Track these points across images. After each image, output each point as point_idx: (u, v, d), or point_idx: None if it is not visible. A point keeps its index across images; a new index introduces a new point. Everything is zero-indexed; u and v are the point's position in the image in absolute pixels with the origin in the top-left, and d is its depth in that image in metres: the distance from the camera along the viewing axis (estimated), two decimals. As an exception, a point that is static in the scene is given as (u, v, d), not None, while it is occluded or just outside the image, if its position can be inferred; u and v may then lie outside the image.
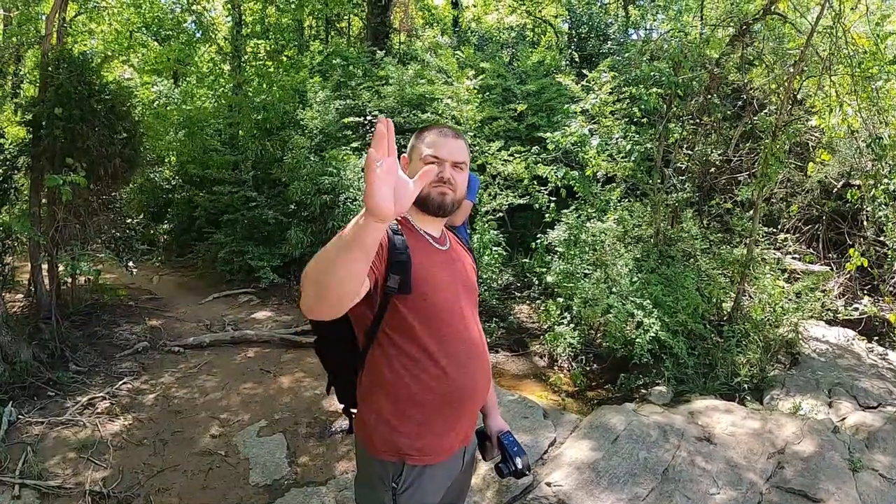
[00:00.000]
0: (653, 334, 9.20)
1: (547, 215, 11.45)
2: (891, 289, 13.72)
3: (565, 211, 11.51)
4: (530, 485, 7.04)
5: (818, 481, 7.77)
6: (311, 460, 7.39)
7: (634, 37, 21.31)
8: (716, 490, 7.31)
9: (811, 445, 8.42)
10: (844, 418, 9.73)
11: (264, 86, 16.53)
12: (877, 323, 13.44)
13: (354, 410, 3.50)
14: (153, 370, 9.50)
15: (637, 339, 9.18)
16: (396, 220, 3.21)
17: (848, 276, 13.39)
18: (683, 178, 12.33)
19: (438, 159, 3.24)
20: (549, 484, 7.03)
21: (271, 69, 17.55)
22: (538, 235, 11.03)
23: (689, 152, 12.88)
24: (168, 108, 17.99)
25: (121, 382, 8.79)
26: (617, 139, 11.01)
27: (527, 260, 11.65)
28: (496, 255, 11.67)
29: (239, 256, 13.63)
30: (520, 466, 3.68)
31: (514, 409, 8.21)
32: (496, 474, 3.73)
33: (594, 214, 11.35)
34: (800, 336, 10.89)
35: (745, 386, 9.67)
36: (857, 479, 8.02)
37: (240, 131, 16.36)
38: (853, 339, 12.43)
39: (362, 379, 3.32)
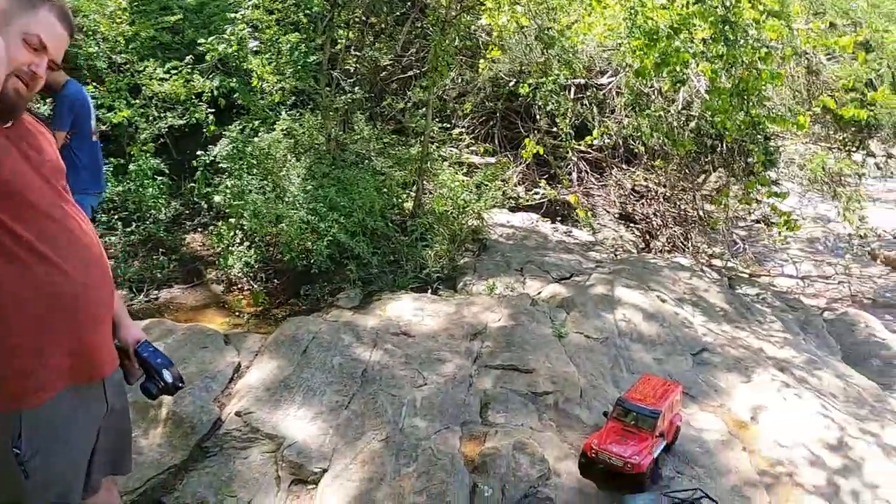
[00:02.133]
0: (330, 238, 9.02)
1: (205, 130, 10.64)
2: (567, 173, 14.70)
3: (231, 127, 10.77)
4: (218, 419, 6.56)
5: (526, 353, 8.06)
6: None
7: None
8: (422, 381, 7.26)
9: (512, 321, 8.73)
10: (540, 292, 10.27)
11: None
12: (558, 206, 14.39)
13: None
14: None
15: (315, 247, 8.83)
16: None
17: (526, 164, 14.10)
18: (353, 80, 12.07)
19: (44, 49, 2.56)
20: (238, 414, 6.61)
21: None
22: (199, 153, 10.19)
23: (358, 53, 12.65)
24: None
25: None
26: (280, 47, 10.45)
27: (193, 184, 10.78)
28: (160, 185, 10.68)
29: None
30: (169, 380, 3.23)
31: (190, 341, 7.59)
32: (145, 397, 3.25)
33: (261, 127, 10.73)
34: (485, 223, 11.24)
35: (437, 277, 9.88)
36: (564, 344, 8.43)
37: None
38: (537, 221, 13.16)
39: None
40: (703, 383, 8.66)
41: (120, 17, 11.59)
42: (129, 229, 9.81)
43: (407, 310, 8.73)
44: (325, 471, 6.03)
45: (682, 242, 14.69)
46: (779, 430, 7.88)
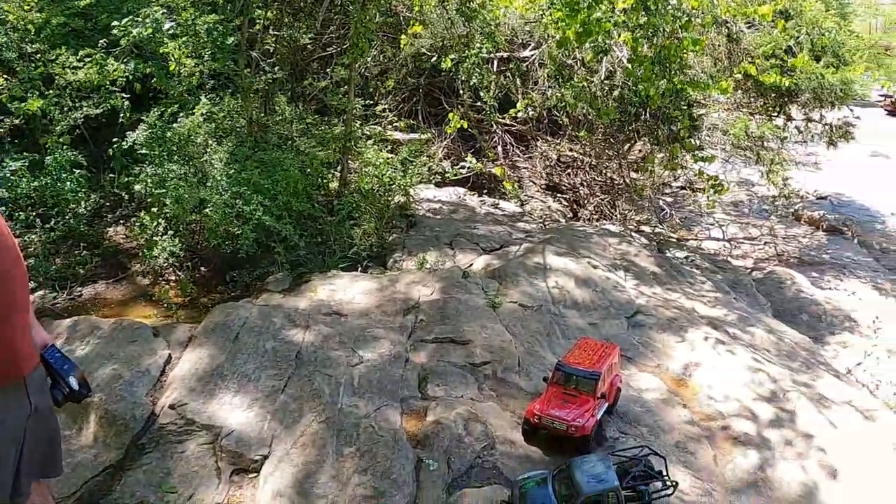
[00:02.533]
0: (256, 221, 8.81)
1: (122, 118, 10.25)
2: (492, 147, 14.70)
3: (149, 113, 10.39)
4: (152, 413, 6.31)
5: (461, 325, 8.03)
6: None
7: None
8: (358, 360, 7.17)
9: (445, 293, 8.70)
10: (471, 264, 10.27)
11: None
12: (485, 180, 14.41)
13: None
14: None
15: (241, 231, 8.62)
16: None
17: (450, 139, 14.05)
18: (272, 61, 11.80)
19: None
20: (172, 406, 6.38)
21: None
22: (115, 140, 9.82)
23: (277, 33, 12.35)
24: None
25: None
26: (197, 29, 10.10)
27: (113, 174, 10.39)
28: (78, 179, 10.25)
29: None
30: (75, 386, 3.04)
31: (118, 336, 7.29)
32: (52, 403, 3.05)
33: (180, 112, 10.39)
34: (412, 199, 11.18)
35: (366, 255, 9.77)
36: (499, 314, 8.43)
37: None
38: (464, 195, 13.16)
39: None
40: (639, 345, 8.79)
41: (29, 5, 11.07)
42: (48, 226, 9.39)
43: (338, 289, 8.60)
44: (265, 457, 5.89)
45: (609, 210, 14.89)
46: (715, 386, 8.06)
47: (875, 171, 21.69)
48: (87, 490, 5.53)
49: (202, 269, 9.49)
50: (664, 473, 5.76)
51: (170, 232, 9.26)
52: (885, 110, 29.88)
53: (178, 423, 6.20)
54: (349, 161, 10.88)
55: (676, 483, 5.70)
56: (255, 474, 5.81)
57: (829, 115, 15.74)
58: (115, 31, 10.25)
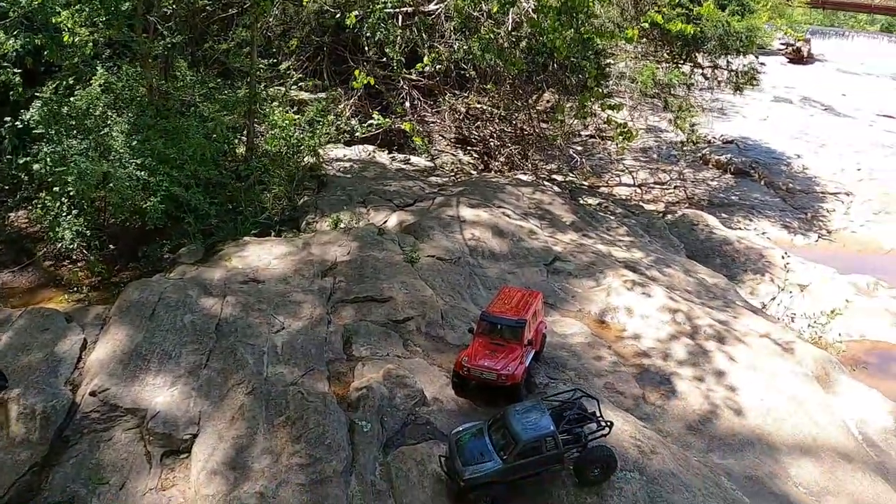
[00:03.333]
0: (163, 193, 8.50)
1: (12, 94, 9.65)
2: (400, 103, 14.47)
3: (43, 88, 9.79)
4: (73, 403, 6.03)
5: (380, 282, 7.93)
6: None
7: None
8: (280, 326, 7.01)
9: (361, 252, 8.58)
10: (386, 221, 10.17)
11: None
12: (394, 136, 14.21)
13: None
14: None
15: (149, 204, 8.29)
16: None
17: (358, 97, 13.76)
18: (171, 25, 11.26)
19: None
20: (93, 393, 6.10)
21: None
22: (6, 120, 9.24)
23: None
24: None
25: None
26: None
27: (10, 156, 9.81)
28: (-28, 165, 9.67)
29: None
30: None
31: (29, 326, 6.95)
32: None
33: (77, 85, 9.84)
34: (321, 160, 10.99)
35: (278, 219, 9.58)
36: (417, 269, 8.35)
37: None
38: (374, 152, 12.99)
39: None
40: (560, 291, 8.88)
41: None
42: (-58, 217, 8.86)
43: (252, 256, 8.40)
44: (195, 436, 5.74)
45: (521, 160, 14.85)
46: (636, 327, 8.29)
47: (779, 116, 22.35)
48: (16, 492, 5.31)
49: (111, 246, 9.08)
50: (598, 414, 5.84)
51: (74, 211, 8.80)
52: (787, 58, 30.71)
53: (102, 409, 5.96)
54: (255, 124, 10.54)
55: (611, 423, 5.78)
56: (187, 455, 5.66)
57: (734, 62, 15.95)
58: (2, 3, 9.60)
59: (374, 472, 5.50)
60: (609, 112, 13.42)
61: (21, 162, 9.52)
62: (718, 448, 6.74)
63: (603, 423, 5.76)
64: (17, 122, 9.24)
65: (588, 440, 5.66)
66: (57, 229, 8.71)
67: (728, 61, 15.90)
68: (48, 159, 8.86)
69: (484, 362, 6.20)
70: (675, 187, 16.63)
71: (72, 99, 9.47)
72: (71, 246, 8.74)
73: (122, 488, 5.38)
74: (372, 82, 12.54)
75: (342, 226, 9.34)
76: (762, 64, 16.71)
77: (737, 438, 6.85)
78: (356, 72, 12.16)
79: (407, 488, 5.39)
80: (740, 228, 14.60)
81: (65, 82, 9.78)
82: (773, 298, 10.84)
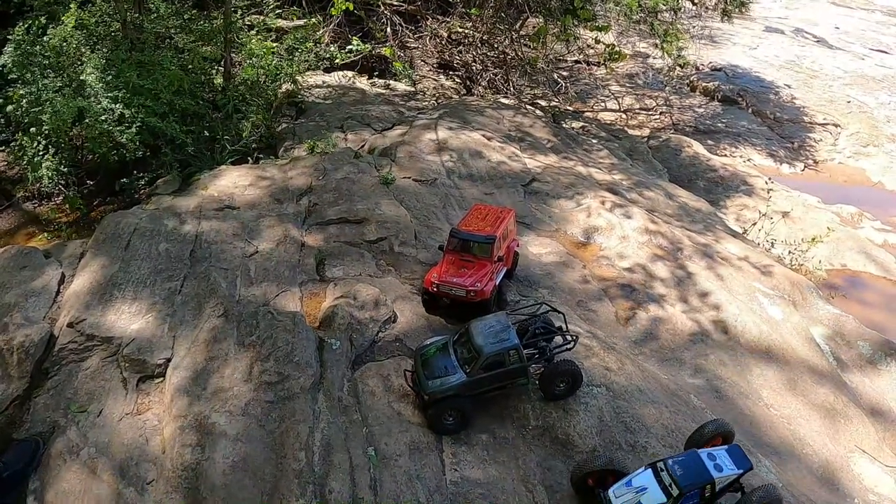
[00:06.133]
0: (139, 124, 8.23)
1: (-20, 35, 9.29)
2: (380, 28, 14.00)
3: (15, 29, 9.41)
4: (51, 336, 5.86)
5: (355, 204, 7.71)
6: None
7: None
8: (253, 250, 6.85)
9: (337, 175, 8.32)
10: (363, 145, 9.87)
11: None
12: (374, 62, 13.79)
13: None
14: None
15: (125, 136, 8.04)
16: None
17: (337, 23, 13.29)
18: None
19: None
20: (71, 325, 5.96)
21: None
22: (-24, 62, 8.91)
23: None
24: None
25: None
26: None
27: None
28: (-52, 111, 9.35)
29: None
30: None
31: (8, 265, 6.77)
32: None
33: (49, 24, 9.44)
34: (300, 86, 10.63)
35: (256, 146, 9.34)
36: (392, 190, 8.12)
37: None
38: (353, 78, 12.63)
39: None
40: (537, 211, 8.65)
41: None
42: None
43: (228, 183, 8.17)
44: (168, 360, 5.62)
45: (503, 85, 14.41)
46: (614, 247, 8.06)
47: (770, 46, 21.55)
48: (-2, 426, 5.23)
49: (89, 182, 8.89)
50: (564, 328, 5.66)
51: (51, 150, 8.58)
52: None
53: (79, 340, 5.84)
54: (233, 54, 10.17)
55: (577, 336, 5.62)
56: (161, 378, 5.56)
57: None
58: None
59: (341, 389, 5.41)
60: (596, 33, 12.93)
61: (-6, 105, 9.23)
62: (689, 366, 6.61)
63: (569, 338, 5.60)
64: (-15, 67, 8.92)
65: (553, 354, 5.51)
66: (36, 169, 8.48)
67: (716, -15, 15.29)
68: (23, 101, 8.58)
69: (453, 279, 6.03)
70: (660, 113, 16.15)
71: (44, 38, 9.13)
72: (49, 184, 8.52)
73: (100, 415, 5.29)
74: (351, 8, 12.11)
75: (319, 150, 9.08)
76: (752, -10, 15.92)
77: (708, 357, 6.71)
78: (335, -1, 11.74)
79: (372, 403, 5.31)
80: (726, 155, 14.24)
81: (37, 22, 9.40)
82: (755, 224, 10.58)
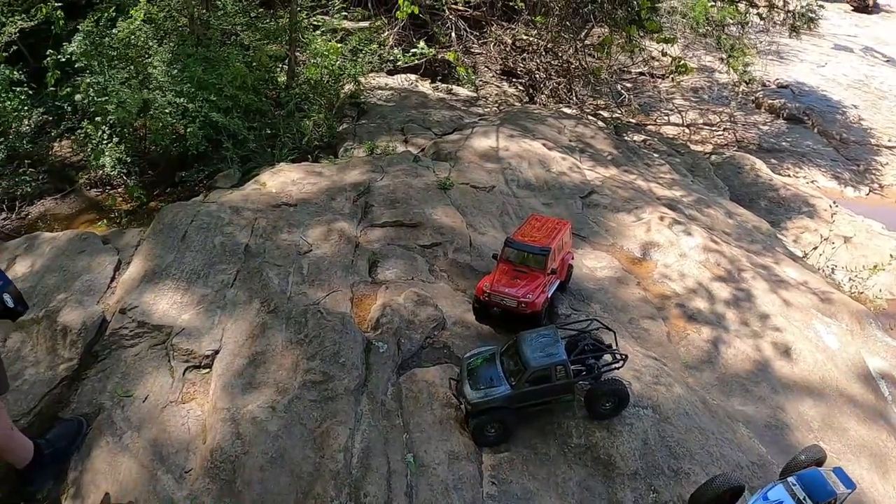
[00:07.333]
0: (203, 118, 8.37)
1: (54, 27, 9.55)
2: (445, 33, 14.01)
3: (85, 20, 9.66)
4: (104, 320, 5.95)
5: (411, 208, 7.69)
6: None
7: None
8: (307, 248, 6.87)
9: (395, 178, 8.30)
10: (423, 148, 9.83)
11: None
12: (437, 66, 13.78)
13: None
14: None
15: (188, 130, 8.15)
16: None
17: (402, 26, 13.35)
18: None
19: None
20: (123, 311, 6.03)
21: None
22: (48, 52, 9.14)
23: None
24: None
25: None
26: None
27: (52, 88, 9.75)
28: (20, 96, 9.60)
29: None
30: (10, 304, 2.99)
31: (67, 248, 6.90)
32: None
33: (118, 16, 9.66)
34: (362, 88, 10.67)
35: (316, 145, 9.38)
36: (450, 196, 8.09)
37: None
38: (416, 82, 12.62)
39: None
40: (594, 224, 8.50)
41: None
42: (-10, 149, 8.87)
43: (286, 180, 8.20)
44: (216, 352, 5.62)
45: (566, 94, 14.32)
46: (671, 265, 7.85)
47: (838, 65, 20.99)
48: (45, 404, 5.27)
49: (150, 172, 9.06)
50: (614, 346, 5.51)
51: (115, 139, 8.77)
52: (851, 6, 28.70)
53: (130, 326, 5.88)
54: (297, 53, 10.27)
55: (626, 356, 5.45)
56: (208, 370, 5.56)
57: (792, 3, 14.95)
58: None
59: (385, 393, 5.34)
60: (663, 45, 12.71)
61: (63, 93, 9.47)
62: (740, 392, 6.35)
63: (618, 356, 5.41)
64: (60, 56, 9.17)
65: (601, 372, 5.33)
66: (99, 157, 8.68)
67: (785, 1, 14.93)
68: (90, 90, 8.78)
69: (505, 289, 5.89)
70: (724, 129, 15.79)
71: (113, 30, 9.34)
72: (112, 172, 8.70)
73: (145, 401, 5.30)
74: (416, 12, 12.13)
75: (378, 152, 9.10)
76: (821, 6, 15.47)
77: (760, 385, 6.43)
78: (400, 1, 11.76)
79: (416, 409, 5.22)
80: (789, 175, 13.75)
81: (106, 14, 9.63)
82: (815, 248, 10.23)
